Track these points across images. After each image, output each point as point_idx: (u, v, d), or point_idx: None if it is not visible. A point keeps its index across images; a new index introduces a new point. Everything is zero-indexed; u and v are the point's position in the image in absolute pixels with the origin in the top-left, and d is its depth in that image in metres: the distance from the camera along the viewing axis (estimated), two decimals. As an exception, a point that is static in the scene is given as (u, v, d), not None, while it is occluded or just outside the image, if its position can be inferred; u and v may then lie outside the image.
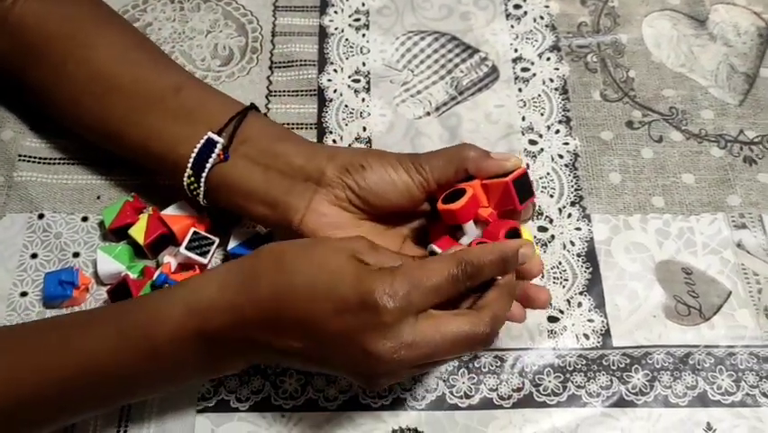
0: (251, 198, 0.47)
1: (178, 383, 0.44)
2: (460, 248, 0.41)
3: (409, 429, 0.47)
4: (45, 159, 0.56)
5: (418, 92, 0.61)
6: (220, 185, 0.48)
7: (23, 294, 0.51)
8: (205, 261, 0.50)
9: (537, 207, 0.55)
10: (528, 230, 0.46)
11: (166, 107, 0.49)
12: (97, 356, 0.40)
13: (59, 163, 0.56)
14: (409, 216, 0.48)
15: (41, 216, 0.54)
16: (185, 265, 0.51)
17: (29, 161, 0.56)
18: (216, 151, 0.47)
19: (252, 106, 0.50)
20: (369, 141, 0.58)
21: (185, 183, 0.48)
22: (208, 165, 0.47)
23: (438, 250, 0.43)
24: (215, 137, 0.47)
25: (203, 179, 0.48)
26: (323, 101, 0.60)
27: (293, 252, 0.40)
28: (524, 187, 0.43)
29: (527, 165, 0.57)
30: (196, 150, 0.47)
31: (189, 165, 0.48)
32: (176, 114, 0.49)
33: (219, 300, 0.40)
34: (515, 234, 0.42)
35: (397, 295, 0.37)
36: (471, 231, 0.43)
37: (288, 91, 0.61)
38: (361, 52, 0.63)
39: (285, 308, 0.39)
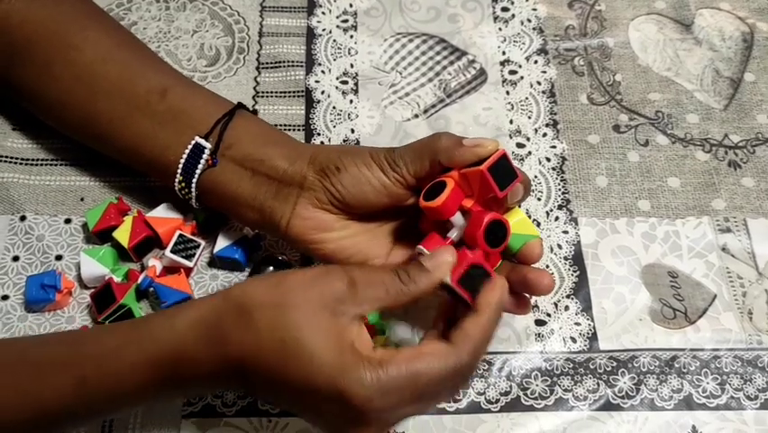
0: (240, 203, 0.47)
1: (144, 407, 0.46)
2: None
3: (397, 434, 0.47)
4: (27, 160, 0.55)
5: (406, 94, 0.61)
6: (210, 190, 0.47)
7: (5, 297, 0.50)
8: (190, 264, 0.50)
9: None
10: (521, 212, 0.44)
11: (152, 112, 0.48)
12: (56, 404, 0.38)
13: (41, 164, 0.55)
14: (398, 210, 0.46)
15: (22, 218, 0.53)
16: (170, 268, 0.50)
17: (10, 162, 0.55)
18: (204, 156, 0.47)
19: (239, 105, 0.50)
20: (357, 143, 0.58)
21: (176, 188, 0.48)
22: (197, 171, 0.47)
23: (426, 251, 0.41)
24: (203, 142, 0.47)
25: (193, 185, 0.47)
26: (310, 102, 0.60)
27: (262, 310, 0.36)
28: (503, 171, 0.40)
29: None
30: (184, 156, 0.47)
31: (179, 171, 0.47)
32: (163, 118, 0.48)
33: (185, 355, 0.37)
34: (496, 225, 0.40)
35: (375, 400, 0.34)
36: (459, 223, 0.42)
37: (276, 92, 0.60)
38: (349, 54, 0.62)
39: (254, 373, 0.36)
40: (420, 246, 0.42)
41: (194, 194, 0.48)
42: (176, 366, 0.37)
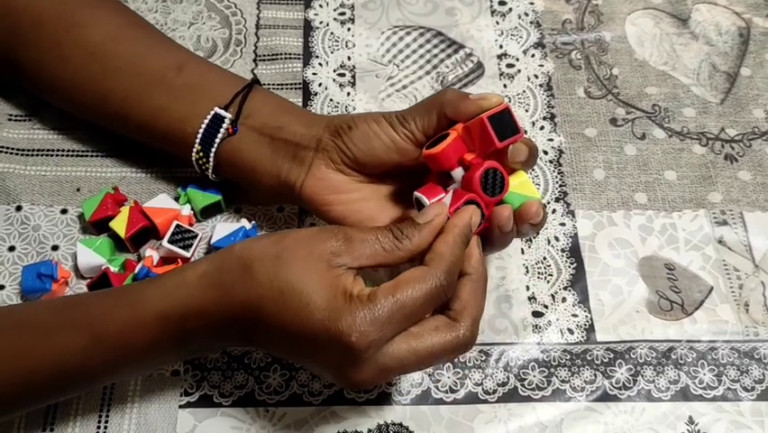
0: (258, 170, 0.47)
1: (154, 370, 0.47)
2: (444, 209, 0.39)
3: (394, 424, 0.47)
4: (23, 150, 0.55)
5: (404, 87, 0.61)
6: (228, 158, 0.48)
7: (1, 288, 0.50)
8: (188, 254, 0.49)
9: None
10: (524, 174, 0.43)
11: (169, 86, 0.49)
12: (69, 363, 0.40)
13: (37, 155, 0.55)
14: (409, 176, 0.46)
15: (18, 209, 0.52)
16: (167, 259, 0.50)
17: (6, 153, 0.55)
18: (225, 125, 0.48)
19: (255, 81, 0.50)
20: (354, 135, 0.58)
21: (193, 158, 0.49)
22: (217, 140, 0.48)
23: (422, 197, 0.42)
24: (222, 112, 0.48)
25: (212, 154, 0.48)
26: (308, 95, 0.60)
27: (261, 262, 0.38)
28: (504, 123, 0.40)
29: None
30: (203, 125, 0.48)
31: (198, 141, 0.48)
32: (180, 92, 0.49)
33: (193, 308, 0.39)
34: (494, 174, 0.41)
35: (369, 334, 0.36)
36: (459, 177, 0.42)
37: (273, 84, 0.60)
38: (347, 46, 0.62)
39: (256, 323, 0.38)
40: (417, 192, 0.42)
41: (211, 164, 0.48)
42: (185, 319, 0.39)
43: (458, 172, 0.42)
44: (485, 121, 0.40)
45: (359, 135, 0.45)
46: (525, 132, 0.59)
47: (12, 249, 0.51)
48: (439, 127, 0.43)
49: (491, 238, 0.42)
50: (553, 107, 0.60)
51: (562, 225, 0.55)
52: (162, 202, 0.51)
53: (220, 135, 0.47)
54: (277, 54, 0.61)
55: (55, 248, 0.51)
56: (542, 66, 0.62)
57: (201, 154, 0.48)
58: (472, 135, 0.41)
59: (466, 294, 0.39)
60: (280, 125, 0.47)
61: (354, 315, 0.36)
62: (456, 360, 0.49)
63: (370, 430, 0.46)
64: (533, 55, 0.63)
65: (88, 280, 0.49)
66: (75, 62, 0.50)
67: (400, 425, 0.47)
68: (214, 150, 0.48)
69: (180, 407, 0.46)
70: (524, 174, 0.43)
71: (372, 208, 0.46)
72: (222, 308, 0.39)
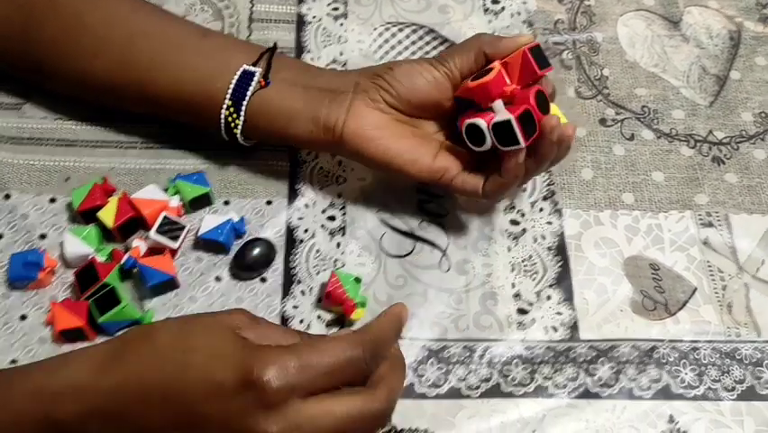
0: (294, 118, 0.49)
1: None
2: (361, 328, 0.39)
3: (377, 418, 0.47)
4: (12, 138, 0.55)
5: (395, 83, 0.61)
6: (260, 112, 0.49)
7: (-13, 275, 0.50)
8: (175, 245, 0.50)
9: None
10: (554, 105, 0.47)
11: (195, 48, 0.50)
12: None
13: (27, 144, 0.55)
14: (440, 119, 0.50)
15: (7, 197, 0.52)
16: (154, 249, 0.50)
17: (-4, 141, 0.55)
18: (255, 78, 0.49)
19: (276, 46, 0.52)
20: (344, 130, 0.58)
21: (223, 116, 0.49)
22: (249, 92, 0.48)
23: (479, 121, 0.44)
24: (252, 68, 0.49)
25: (243, 108, 0.49)
26: (299, 89, 0.60)
27: (166, 329, 0.37)
28: (539, 56, 0.45)
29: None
30: (233, 81, 0.49)
31: (228, 96, 0.49)
32: (207, 53, 0.50)
33: (73, 383, 0.36)
34: (543, 96, 0.44)
35: (281, 374, 0.34)
36: (500, 109, 0.45)
37: (264, 78, 0.60)
38: (339, 41, 0.63)
39: (151, 390, 0.35)
40: (470, 120, 0.45)
41: (242, 119, 0.49)
42: (58, 398, 0.36)
43: (498, 104, 0.45)
44: (527, 52, 0.45)
45: (401, 73, 0.48)
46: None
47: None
48: (476, 66, 0.47)
49: (540, 147, 0.45)
50: (543, 106, 0.60)
51: (549, 223, 0.55)
52: (151, 193, 0.52)
53: (251, 88, 0.48)
54: (269, 48, 0.61)
55: (43, 237, 0.51)
56: (533, 65, 0.62)
57: (232, 110, 0.49)
58: (511, 69, 0.46)
59: (383, 369, 0.39)
60: (313, 75, 0.50)
61: (269, 356, 0.34)
62: (440, 355, 0.49)
63: (353, 424, 0.46)
64: (524, 54, 0.63)
65: (75, 269, 0.49)
66: (97, 30, 0.50)
67: (383, 419, 0.47)
68: (245, 103, 0.48)
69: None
70: (554, 105, 0.47)
71: (411, 144, 0.48)
72: (108, 378, 0.36)
